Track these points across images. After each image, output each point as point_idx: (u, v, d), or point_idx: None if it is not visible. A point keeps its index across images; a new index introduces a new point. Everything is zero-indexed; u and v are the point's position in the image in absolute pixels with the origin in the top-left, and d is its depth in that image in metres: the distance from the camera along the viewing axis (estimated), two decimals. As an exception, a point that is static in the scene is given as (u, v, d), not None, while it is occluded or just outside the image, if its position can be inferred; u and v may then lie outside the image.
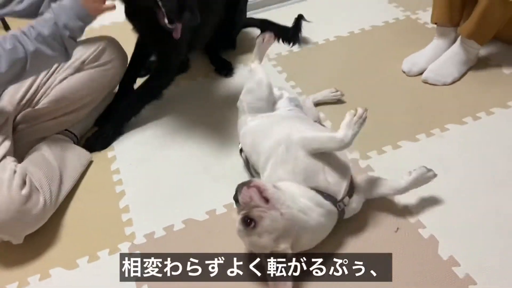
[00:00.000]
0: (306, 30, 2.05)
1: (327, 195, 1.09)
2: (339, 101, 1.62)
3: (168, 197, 1.36)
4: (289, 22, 2.00)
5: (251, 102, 1.33)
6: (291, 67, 1.87)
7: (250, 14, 2.15)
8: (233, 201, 1.29)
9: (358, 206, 1.17)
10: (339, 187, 1.11)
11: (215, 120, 1.63)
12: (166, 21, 1.32)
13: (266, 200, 1.02)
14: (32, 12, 1.42)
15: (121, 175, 1.46)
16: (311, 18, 2.16)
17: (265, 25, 2.03)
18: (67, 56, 1.29)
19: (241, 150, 1.35)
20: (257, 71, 1.34)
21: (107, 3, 1.30)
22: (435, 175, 1.20)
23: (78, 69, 1.50)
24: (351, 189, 1.15)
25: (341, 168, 1.13)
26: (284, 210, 1.01)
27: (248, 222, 1.01)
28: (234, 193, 1.32)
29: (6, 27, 2.22)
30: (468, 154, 1.39)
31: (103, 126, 1.60)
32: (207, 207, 1.31)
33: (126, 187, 1.41)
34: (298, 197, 1.06)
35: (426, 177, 1.19)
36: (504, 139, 1.43)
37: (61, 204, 1.34)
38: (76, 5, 1.25)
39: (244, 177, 1.39)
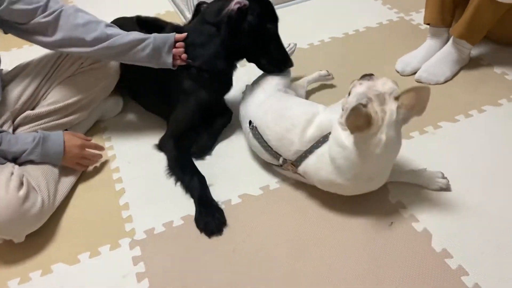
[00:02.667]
0: (301, 31, 2.10)
1: None
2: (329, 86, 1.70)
3: (167, 194, 1.39)
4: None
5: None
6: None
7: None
8: (231, 199, 1.34)
9: None
10: None
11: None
12: None
13: None
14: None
15: (120, 173, 1.48)
16: (307, 20, 2.22)
17: None
18: None
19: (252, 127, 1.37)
20: None
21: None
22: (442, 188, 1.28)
23: (74, 73, 1.53)
24: None
25: None
26: None
27: None
28: (229, 191, 1.36)
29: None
30: (460, 150, 1.43)
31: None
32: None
33: (126, 185, 1.43)
34: None
35: (434, 181, 1.28)
36: (495, 136, 1.46)
37: (62, 201, 1.35)
38: (56, 156, 1.35)
39: (238, 176, 1.42)
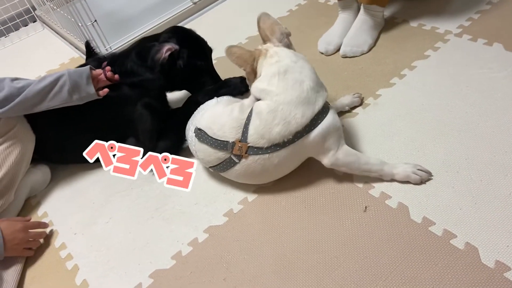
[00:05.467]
0: (216, 40, 2.01)
1: None
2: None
3: (126, 255, 1.25)
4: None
5: None
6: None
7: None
8: (197, 237, 1.23)
9: None
10: None
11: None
12: None
13: None
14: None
15: (68, 249, 1.32)
16: (216, 26, 2.14)
17: None
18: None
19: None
20: None
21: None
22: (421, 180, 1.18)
23: None
24: None
25: None
26: None
27: None
28: (194, 228, 1.25)
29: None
30: (406, 113, 1.40)
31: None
32: (171, 251, 1.22)
33: (78, 260, 1.27)
34: None
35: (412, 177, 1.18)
36: (434, 88, 1.46)
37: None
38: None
39: (195, 210, 1.31)
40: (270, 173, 1.24)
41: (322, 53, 1.75)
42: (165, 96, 1.56)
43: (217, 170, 1.29)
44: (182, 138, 1.46)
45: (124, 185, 1.47)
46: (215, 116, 1.27)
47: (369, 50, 1.70)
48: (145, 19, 2.22)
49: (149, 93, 1.46)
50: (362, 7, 1.72)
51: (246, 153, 1.19)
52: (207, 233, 1.24)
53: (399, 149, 1.29)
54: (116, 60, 1.48)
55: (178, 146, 1.48)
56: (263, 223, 1.22)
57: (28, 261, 1.31)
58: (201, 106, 1.38)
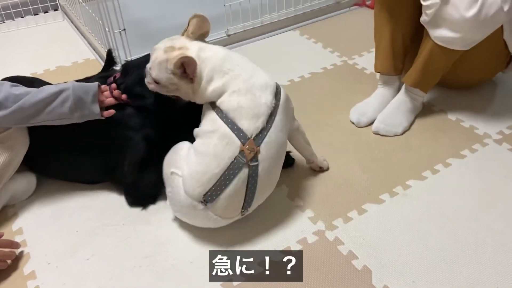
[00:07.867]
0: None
1: None
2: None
3: (103, 306, 1.09)
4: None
5: None
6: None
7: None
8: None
9: None
10: None
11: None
12: None
13: None
14: None
15: (38, 280, 1.14)
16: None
17: None
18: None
19: None
20: None
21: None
22: None
23: None
24: None
25: None
26: None
27: None
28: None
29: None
30: (435, 215, 1.30)
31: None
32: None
33: (46, 297, 1.11)
34: None
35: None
36: (468, 194, 1.36)
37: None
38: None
39: (193, 271, 1.16)
40: (283, 150, 1.21)
41: (353, 123, 1.66)
42: (166, 130, 1.37)
43: (247, 208, 1.16)
44: None
45: (115, 218, 1.32)
46: (201, 169, 1.12)
47: (403, 133, 1.61)
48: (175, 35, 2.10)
49: (152, 123, 1.33)
50: (403, 87, 1.65)
51: (257, 147, 1.10)
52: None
53: (422, 253, 1.18)
54: (129, 69, 1.35)
55: (161, 184, 1.27)
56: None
57: (-13, 286, 1.13)
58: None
